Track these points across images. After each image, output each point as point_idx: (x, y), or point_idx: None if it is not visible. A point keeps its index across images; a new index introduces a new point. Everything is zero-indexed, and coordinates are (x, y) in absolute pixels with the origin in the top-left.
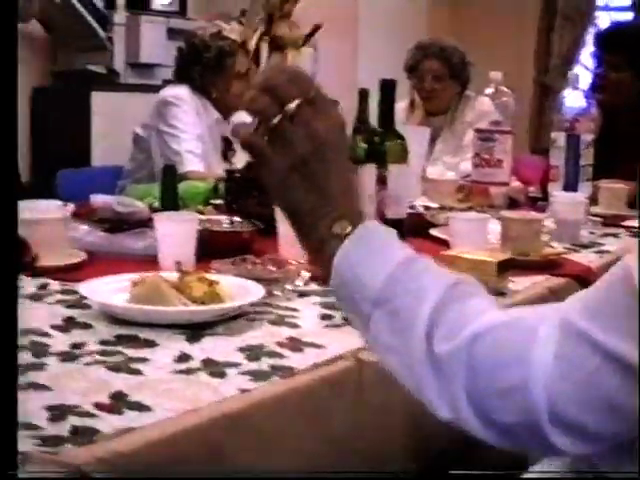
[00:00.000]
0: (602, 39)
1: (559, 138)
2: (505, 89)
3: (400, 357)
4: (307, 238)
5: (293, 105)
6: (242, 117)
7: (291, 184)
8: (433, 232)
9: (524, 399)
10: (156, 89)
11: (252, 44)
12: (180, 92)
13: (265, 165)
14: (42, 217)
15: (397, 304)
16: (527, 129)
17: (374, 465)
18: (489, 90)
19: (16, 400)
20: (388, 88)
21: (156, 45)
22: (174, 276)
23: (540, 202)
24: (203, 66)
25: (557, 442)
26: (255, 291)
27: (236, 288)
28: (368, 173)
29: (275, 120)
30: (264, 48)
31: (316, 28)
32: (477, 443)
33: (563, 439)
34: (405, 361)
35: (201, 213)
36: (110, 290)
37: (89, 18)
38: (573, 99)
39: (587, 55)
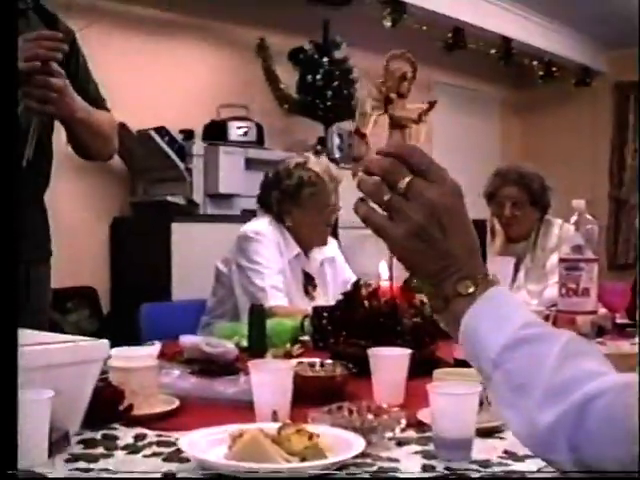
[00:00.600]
0: None
1: None
2: (589, 217)
3: (519, 415)
4: (433, 298)
5: (403, 184)
6: (327, 250)
7: (412, 249)
8: None
9: None
10: (235, 219)
11: (369, 127)
12: (261, 227)
13: (384, 236)
14: (136, 365)
15: (514, 365)
16: (605, 245)
17: None
18: (573, 218)
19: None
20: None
21: (234, 175)
22: (273, 427)
23: (628, 328)
24: (281, 193)
25: None
26: (355, 443)
27: (336, 440)
28: None
29: (385, 198)
30: (382, 128)
31: (431, 105)
32: None
33: None
34: (523, 420)
35: (289, 353)
36: (208, 442)
37: (168, 150)
38: None
39: None
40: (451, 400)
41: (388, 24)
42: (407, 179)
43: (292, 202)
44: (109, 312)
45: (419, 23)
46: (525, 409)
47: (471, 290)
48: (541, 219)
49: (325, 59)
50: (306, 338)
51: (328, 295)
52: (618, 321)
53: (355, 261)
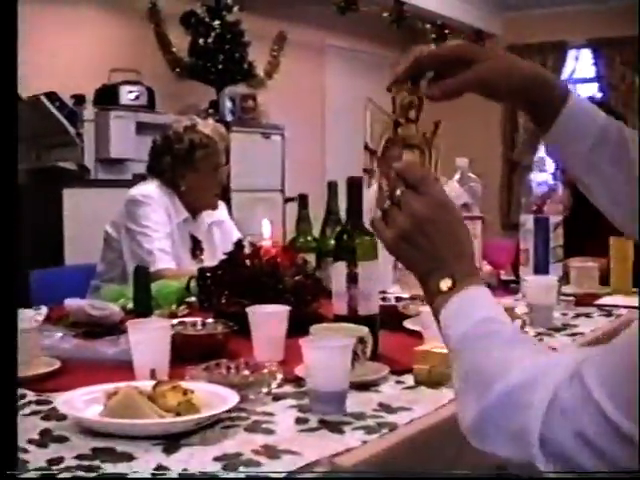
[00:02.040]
0: None
1: (527, 221)
2: (472, 175)
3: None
4: (424, 294)
5: (397, 193)
6: (216, 213)
7: (401, 251)
8: (406, 324)
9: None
10: (127, 184)
11: (380, 149)
12: (149, 190)
13: (379, 237)
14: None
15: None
16: (498, 206)
17: None
18: (456, 176)
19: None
20: (355, 186)
21: (125, 140)
22: (148, 385)
23: (512, 285)
24: (173, 157)
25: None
26: (229, 398)
27: (210, 395)
28: (338, 270)
29: (385, 205)
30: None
31: (437, 126)
32: None
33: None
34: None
35: (174, 314)
36: (85, 401)
37: (58, 115)
38: (540, 180)
39: None
40: (323, 353)
41: None
42: (399, 190)
43: (185, 166)
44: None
45: None
46: (464, 398)
47: (448, 287)
48: None
49: (217, 22)
50: (192, 299)
51: (216, 258)
52: (503, 278)
53: (247, 223)
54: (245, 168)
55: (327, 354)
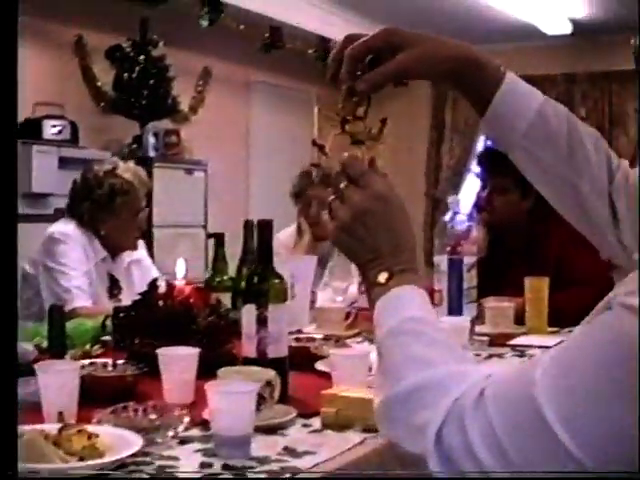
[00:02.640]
0: (487, 163)
1: (441, 262)
2: None
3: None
4: (364, 283)
5: (341, 186)
6: (134, 252)
7: (342, 242)
8: (318, 366)
9: None
10: (49, 219)
11: (329, 142)
12: (67, 229)
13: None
14: None
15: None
16: (422, 244)
17: None
18: None
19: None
20: (265, 229)
21: (48, 174)
22: (55, 428)
23: None
24: (93, 203)
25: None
26: (134, 442)
27: (116, 439)
28: (248, 313)
29: (330, 199)
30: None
31: (384, 121)
32: None
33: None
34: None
35: (89, 353)
36: None
37: None
38: (455, 221)
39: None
40: (227, 398)
41: (205, 23)
42: (343, 184)
43: (105, 211)
44: None
45: (237, 22)
46: (379, 389)
47: (384, 280)
48: None
49: (142, 57)
50: (108, 338)
51: (134, 297)
52: None
53: (169, 259)
54: (168, 204)
55: (231, 399)
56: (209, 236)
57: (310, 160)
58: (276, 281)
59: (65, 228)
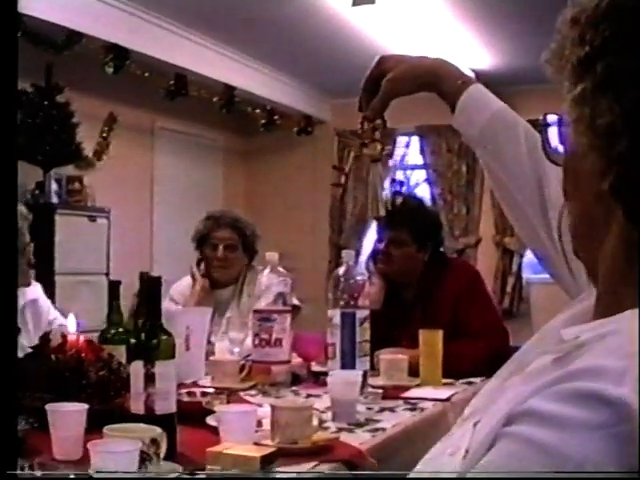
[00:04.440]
0: (385, 218)
1: (335, 316)
2: (281, 269)
3: None
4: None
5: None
6: (29, 292)
7: None
8: (209, 420)
9: None
10: None
11: (349, 163)
12: None
13: None
14: None
15: None
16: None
17: None
18: (266, 271)
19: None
20: (153, 285)
21: None
22: None
23: (323, 376)
24: None
25: None
26: None
27: None
28: (135, 370)
29: None
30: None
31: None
32: None
33: None
34: None
35: None
36: None
37: None
38: (353, 272)
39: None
40: (108, 457)
41: (110, 70)
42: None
43: None
44: None
45: (142, 69)
46: None
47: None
48: (248, 265)
49: (46, 103)
50: None
51: (31, 340)
52: (314, 369)
53: (71, 306)
54: (70, 251)
55: (113, 458)
56: (111, 283)
57: (221, 205)
58: (164, 337)
59: None
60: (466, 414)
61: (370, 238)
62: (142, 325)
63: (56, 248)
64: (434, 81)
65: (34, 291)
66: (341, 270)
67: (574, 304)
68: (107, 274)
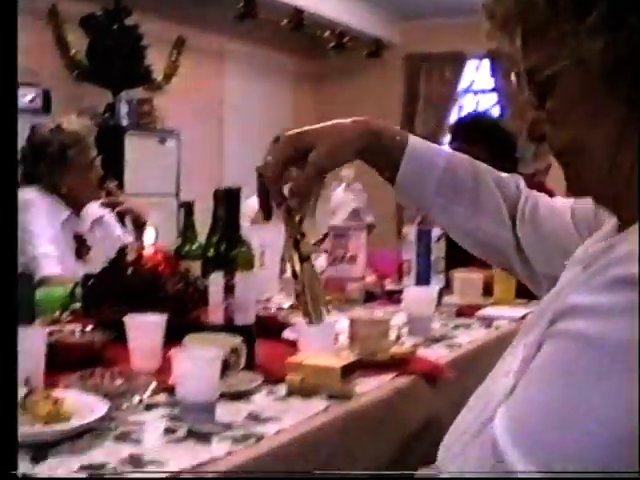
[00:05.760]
0: (459, 133)
1: (410, 233)
2: (357, 185)
3: None
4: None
5: None
6: (95, 210)
7: None
8: (285, 334)
9: None
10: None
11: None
12: (27, 195)
13: None
14: None
15: None
16: (395, 215)
17: None
18: (341, 186)
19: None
20: (233, 197)
21: (20, 143)
22: (21, 393)
23: (397, 294)
24: (46, 163)
25: None
26: (99, 407)
27: (81, 405)
28: (215, 281)
29: None
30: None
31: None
32: None
33: None
34: None
35: (58, 321)
36: None
37: None
38: None
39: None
40: (192, 364)
41: None
42: None
43: (60, 168)
44: None
45: None
46: None
47: None
48: (320, 183)
49: (115, 26)
50: (77, 306)
51: (100, 256)
52: (388, 288)
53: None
54: (140, 172)
55: (196, 365)
56: (181, 205)
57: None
58: (243, 249)
59: (25, 195)
60: (517, 339)
61: None
62: (221, 237)
63: (126, 170)
64: (374, 141)
65: (101, 209)
66: None
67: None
68: (177, 195)
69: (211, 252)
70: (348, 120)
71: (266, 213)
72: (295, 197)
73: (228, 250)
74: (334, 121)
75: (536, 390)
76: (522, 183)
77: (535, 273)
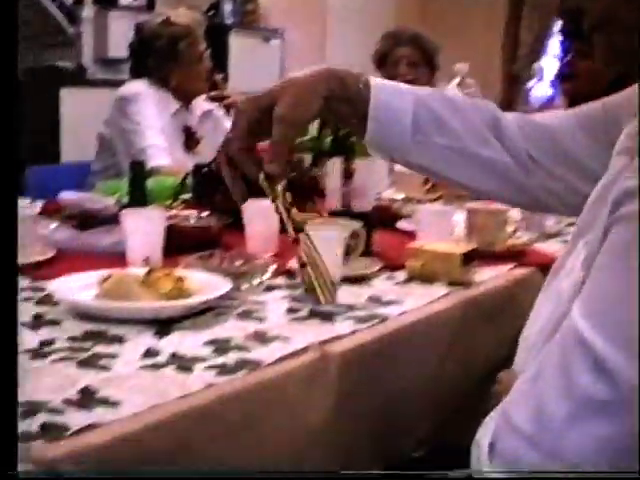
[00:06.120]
0: (571, 27)
1: None
2: (471, 80)
3: None
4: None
5: None
6: (204, 103)
7: None
8: (400, 224)
9: None
10: (124, 83)
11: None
12: (138, 87)
13: None
14: None
15: None
16: None
17: (344, 456)
18: (455, 81)
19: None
20: None
21: (123, 40)
22: (142, 271)
23: None
24: (156, 56)
25: None
26: (222, 285)
27: (203, 283)
28: (334, 167)
29: None
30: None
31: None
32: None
33: None
34: None
35: (170, 209)
36: (78, 287)
37: (56, 14)
38: (539, 90)
39: (555, 44)
40: (318, 243)
41: None
42: None
43: (170, 60)
44: None
45: None
46: None
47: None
48: (429, 82)
49: None
50: (188, 196)
51: (210, 149)
52: None
53: None
54: (244, 71)
55: (321, 244)
56: None
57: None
58: None
59: (135, 87)
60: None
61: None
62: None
63: (230, 68)
64: (339, 86)
65: (209, 102)
66: (531, 83)
67: None
68: None
69: (324, 143)
70: (307, 70)
71: (241, 195)
72: (272, 161)
73: (348, 136)
74: (292, 74)
75: (608, 275)
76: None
77: (530, 186)
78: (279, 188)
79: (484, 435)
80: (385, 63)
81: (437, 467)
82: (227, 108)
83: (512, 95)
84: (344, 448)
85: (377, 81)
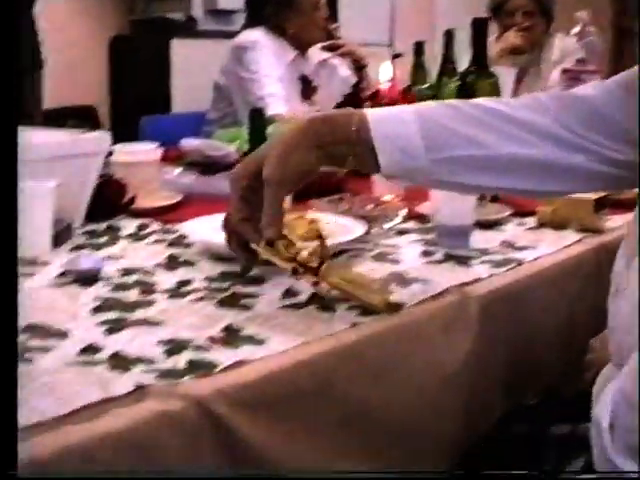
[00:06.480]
0: None
1: None
2: (592, 28)
3: None
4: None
5: None
6: (320, 52)
7: None
8: None
9: None
10: (235, 35)
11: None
12: (254, 36)
13: None
14: (139, 159)
15: None
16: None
17: (475, 402)
18: (575, 29)
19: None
20: (480, 27)
21: None
22: None
23: None
24: (274, 4)
25: None
26: (355, 229)
27: (336, 226)
28: None
29: None
30: None
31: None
32: None
33: None
34: None
35: None
36: (210, 229)
37: None
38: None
39: None
40: None
41: None
42: None
43: (287, 9)
44: (109, 129)
45: None
46: None
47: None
48: (546, 31)
49: None
50: None
51: (327, 98)
52: None
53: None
54: (353, 21)
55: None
56: (394, 56)
57: None
58: (489, 80)
59: (253, 35)
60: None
61: None
62: (469, 68)
63: (341, 20)
64: (327, 127)
65: (322, 52)
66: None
67: None
68: (389, 45)
69: (444, 91)
70: (293, 124)
71: (249, 259)
72: (269, 227)
73: (474, 80)
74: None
75: None
76: None
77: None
78: (281, 246)
79: (602, 416)
80: (500, 12)
81: (547, 416)
82: (342, 57)
83: (622, 48)
84: (477, 392)
85: (373, 113)
